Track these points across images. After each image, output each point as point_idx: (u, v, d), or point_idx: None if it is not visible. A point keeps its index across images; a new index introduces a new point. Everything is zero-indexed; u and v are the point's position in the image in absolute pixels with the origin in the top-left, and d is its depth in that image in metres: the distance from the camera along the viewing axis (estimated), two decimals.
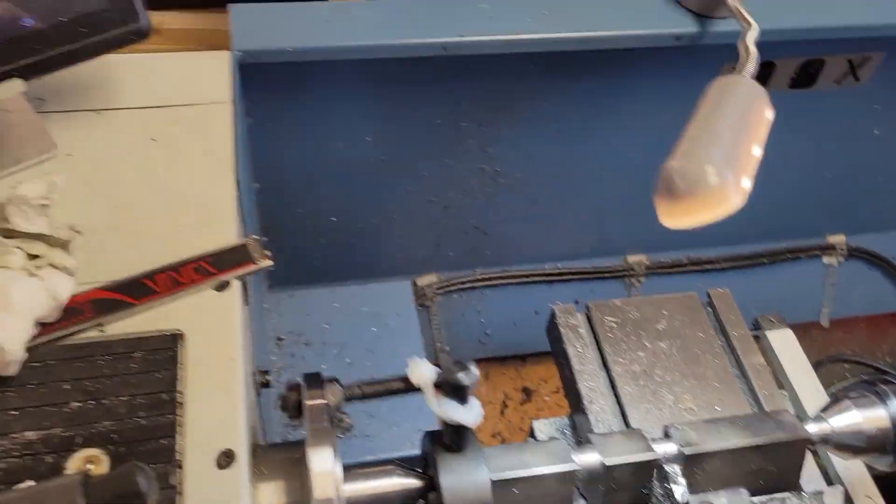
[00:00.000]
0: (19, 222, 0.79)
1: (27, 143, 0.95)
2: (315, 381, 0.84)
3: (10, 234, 0.79)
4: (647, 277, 1.93)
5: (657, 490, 1.05)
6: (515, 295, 1.85)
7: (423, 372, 0.84)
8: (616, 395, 1.24)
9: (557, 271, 1.86)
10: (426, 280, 1.81)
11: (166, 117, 1.02)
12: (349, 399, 0.84)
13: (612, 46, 1.33)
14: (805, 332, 2.18)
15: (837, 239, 2.02)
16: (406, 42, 1.24)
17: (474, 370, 0.82)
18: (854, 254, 2.03)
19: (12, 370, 0.74)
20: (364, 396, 0.84)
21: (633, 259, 1.91)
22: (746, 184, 0.70)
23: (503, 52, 1.28)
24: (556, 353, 1.33)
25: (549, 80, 1.44)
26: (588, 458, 0.92)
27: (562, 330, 1.31)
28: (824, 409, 0.97)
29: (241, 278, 0.88)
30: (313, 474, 0.75)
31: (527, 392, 1.99)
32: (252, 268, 0.87)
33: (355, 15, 1.25)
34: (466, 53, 1.26)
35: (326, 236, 1.63)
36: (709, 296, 1.38)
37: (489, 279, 1.83)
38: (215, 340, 0.82)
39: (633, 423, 1.19)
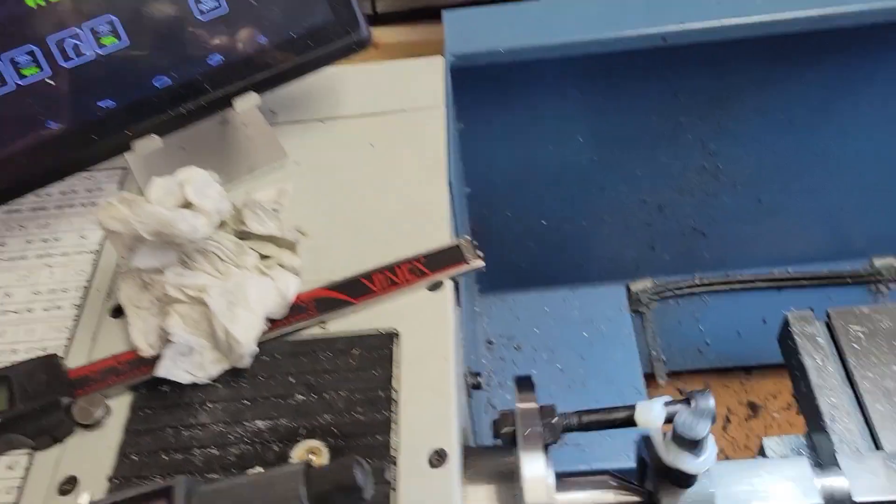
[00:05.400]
0: (254, 225, 0.84)
1: (261, 152, 1.02)
2: (526, 384, 0.82)
3: (245, 236, 0.85)
4: None
5: None
6: (739, 302, 1.71)
7: (652, 416, 0.78)
8: (864, 415, 1.09)
9: (788, 276, 1.70)
10: (640, 285, 1.73)
11: (384, 124, 1.06)
12: (566, 430, 0.80)
13: (857, 23, 1.19)
14: None
15: None
16: (622, 35, 1.19)
17: (710, 414, 0.75)
18: None
19: (245, 363, 0.79)
20: (581, 427, 0.80)
21: (880, 262, 1.70)
22: None
23: (729, 37, 1.19)
24: (791, 366, 1.21)
25: (778, 66, 1.32)
26: (834, 486, 0.81)
27: (797, 339, 1.18)
28: None
29: (454, 279, 0.88)
30: (524, 480, 0.73)
31: (753, 407, 1.83)
32: (464, 268, 0.87)
33: (568, 10, 1.22)
34: (688, 42, 1.19)
35: (536, 239, 1.61)
36: None
37: (710, 284, 1.71)
38: (429, 340, 0.82)
39: (887, 448, 1.04)
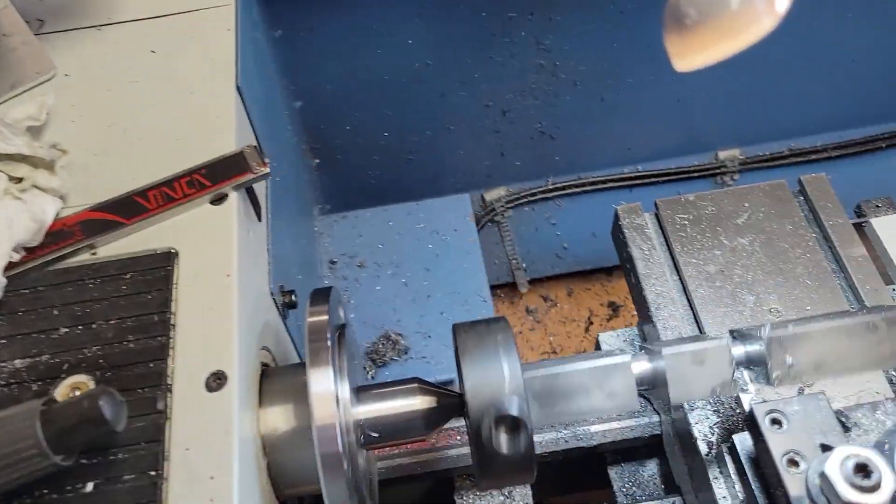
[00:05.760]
0: None
1: (26, 66, 0.91)
2: (320, 297, 0.76)
3: None
4: (742, 174, 1.74)
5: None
6: (593, 203, 1.71)
7: None
8: (688, 300, 1.10)
9: (639, 174, 1.70)
10: (495, 194, 1.70)
11: (167, 27, 0.96)
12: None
13: None
14: None
15: None
16: None
17: None
18: None
19: None
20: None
21: (724, 154, 1.72)
22: (781, 3, 0.54)
23: None
24: (623, 259, 1.20)
25: None
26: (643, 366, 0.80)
27: (626, 231, 1.17)
28: None
29: (241, 189, 0.81)
30: (311, 396, 0.68)
31: (613, 307, 1.86)
32: (249, 177, 0.80)
33: None
34: None
35: (381, 153, 1.55)
36: (800, 183, 1.19)
37: (562, 188, 1.70)
38: (211, 257, 0.76)
39: (708, 329, 1.06)
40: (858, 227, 1.16)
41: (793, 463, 0.72)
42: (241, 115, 0.89)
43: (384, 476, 1.15)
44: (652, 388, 0.78)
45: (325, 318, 0.73)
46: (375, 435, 0.78)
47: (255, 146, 0.81)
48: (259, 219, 0.89)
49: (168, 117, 0.86)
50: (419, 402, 0.79)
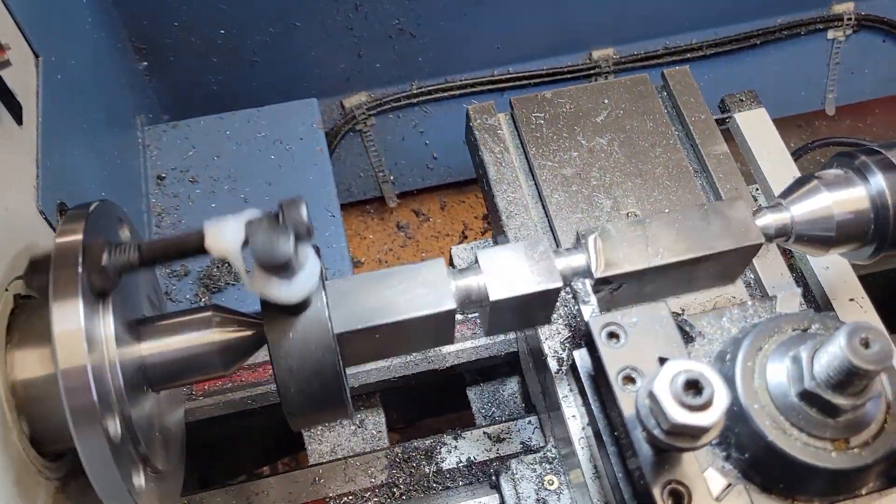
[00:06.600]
0: None
1: None
2: (76, 215, 0.63)
3: None
4: (617, 75, 1.65)
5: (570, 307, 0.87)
6: (463, 109, 1.59)
7: (224, 241, 0.61)
8: (543, 206, 1.01)
9: (508, 76, 1.59)
10: (354, 100, 1.56)
11: None
12: (126, 268, 0.61)
13: None
14: (808, 122, 1.90)
15: (845, 7, 1.70)
16: None
17: (299, 228, 0.60)
18: (865, 23, 1.71)
19: None
20: (145, 262, 0.61)
21: (598, 54, 1.62)
22: None
23: None
24: (476, 164, 1.10)
25: None
26: (471, 286, 0.70)
27: (477, 133, 1.06)
28: (785, 194, 0.73)
29: None
30: (54, 337, 0.56)
31: (489, 220, 1.78)
32: None
33: None
34: None
35: (219, 55, 1.38)
36: (664, 77, 1.11)
37: (429, 92, 1.57)
38: None
39: (562, 237, 0.97)
40: (723, 124, 1.10)
41: (629, 380, 0.65)
42: None
43: (216, 413, 1.04)
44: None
45: (77, 238, 0.60)
46: (163, 375, 0.67)
47: None
48: (19, 122, 0.73)
49: None
50: (215, 334, 0.67)
